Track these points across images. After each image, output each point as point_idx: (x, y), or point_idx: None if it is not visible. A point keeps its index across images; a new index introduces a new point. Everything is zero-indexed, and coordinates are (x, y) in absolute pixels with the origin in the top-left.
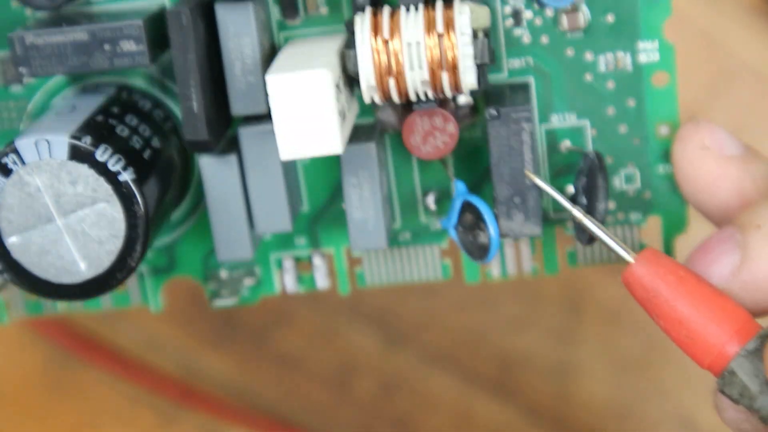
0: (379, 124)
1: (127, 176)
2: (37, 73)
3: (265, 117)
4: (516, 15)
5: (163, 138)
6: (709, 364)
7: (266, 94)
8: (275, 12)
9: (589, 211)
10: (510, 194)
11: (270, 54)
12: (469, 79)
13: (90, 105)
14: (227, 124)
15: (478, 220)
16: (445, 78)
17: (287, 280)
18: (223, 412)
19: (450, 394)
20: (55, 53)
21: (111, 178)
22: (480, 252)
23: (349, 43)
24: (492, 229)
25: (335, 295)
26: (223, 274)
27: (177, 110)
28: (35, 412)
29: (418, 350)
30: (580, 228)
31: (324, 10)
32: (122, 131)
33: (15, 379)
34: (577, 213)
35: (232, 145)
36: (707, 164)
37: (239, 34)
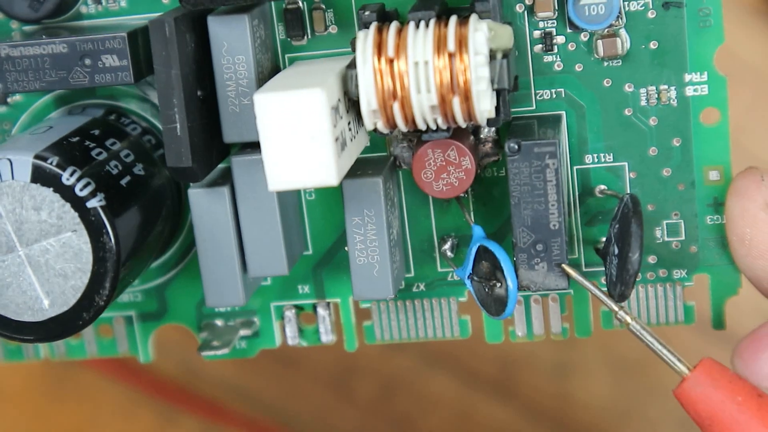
0: (392, 159)
1: (96, 203)
2: (12, 89)
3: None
4: (546, 39)
5: (151, 166)
6: None
7: None
8: (280, 31)
9: (621, 261)
10: (532, 241)
11: (270, 76)
12: (484, 105)
13: (69, 126)
14: (221, 154)
15: (495, 270)
16: (456, 104)
17: (288, 332)
18: (222, 413)
19: (450, 394)
20: (32, 67)
21: (78, 204)
22: (497, 306)
23: (352, 63)
24: (510, 279)
25: None
26: (219, 322)
27: None
28: (35, 412)
29: (418, 350)
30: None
31: (333, 29)
32: (99, 154)
33: (15, 379)
34: (624, 316)
35: (226, 177)
36: None
37: (233, 50)
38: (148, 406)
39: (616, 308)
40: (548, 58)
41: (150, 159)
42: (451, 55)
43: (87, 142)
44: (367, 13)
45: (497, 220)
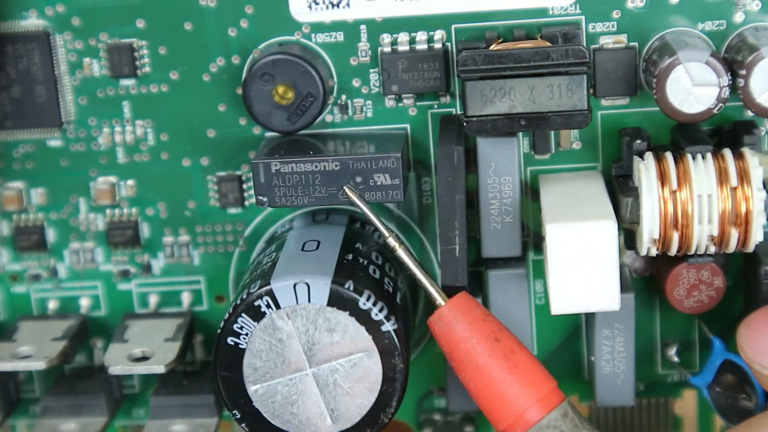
0: (628, 270)
1: (389, 326)
2: (279, 204)
3: (514, 260)
4: None
5: (399, 273)
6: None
7: (521, 237)
8: (523, 145)
9: None
10: None
11: (520, 192)
12: (759, 236)
13: (333, 239)
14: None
15: (743, 383)
16: (734, 234)
17: None
18: None
19: None
20: (302, 183)
21: (373, 328)
22: (740, 417)
23: (623, 189)
24: (761, 395)
25: None
26: (437, 417)
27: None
28: None
29: None
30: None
31: (578, 144)
32: (374, 272)
33: None
34: (393, 242)
35: (473, 287)
36: None
37: (501, 171)
38: None
39: (387, 234)
40: None
41: (399, 266)
42: (732, 189)
43: (360, 260)
44: (638, 142)
45: (721, 322)
